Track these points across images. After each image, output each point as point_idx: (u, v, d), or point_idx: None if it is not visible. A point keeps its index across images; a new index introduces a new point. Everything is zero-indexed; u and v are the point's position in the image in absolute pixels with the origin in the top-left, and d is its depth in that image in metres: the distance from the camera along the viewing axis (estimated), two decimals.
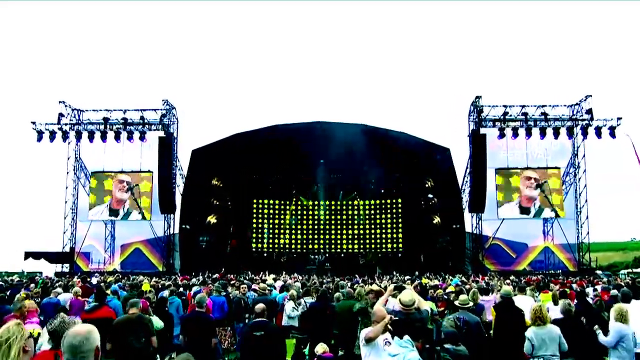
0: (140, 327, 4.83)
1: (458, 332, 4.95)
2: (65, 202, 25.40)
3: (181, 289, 9.60)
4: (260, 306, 5.34)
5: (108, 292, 8.10)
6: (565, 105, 23.45)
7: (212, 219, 25.76)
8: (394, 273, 18.61)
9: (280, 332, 6.01)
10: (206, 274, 17.21)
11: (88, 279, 12.60)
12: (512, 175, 24.43)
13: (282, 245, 29.53)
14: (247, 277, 15.09)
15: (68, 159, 25.48)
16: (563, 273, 20.40)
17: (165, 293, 8.48)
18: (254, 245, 28.78)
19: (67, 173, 25.50)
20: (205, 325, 5.46)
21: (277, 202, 29.81)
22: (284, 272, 18.96)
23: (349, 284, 11.13)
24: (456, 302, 6.06)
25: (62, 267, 25.44)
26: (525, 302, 6.87)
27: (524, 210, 24.18)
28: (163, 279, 14.50)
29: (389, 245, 28.94)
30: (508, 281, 13.92)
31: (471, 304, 6.04)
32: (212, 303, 7.85)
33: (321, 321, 7.25)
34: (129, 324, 4.85)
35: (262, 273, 15.83)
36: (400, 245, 28.54)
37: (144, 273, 20.72)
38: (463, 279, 15.00)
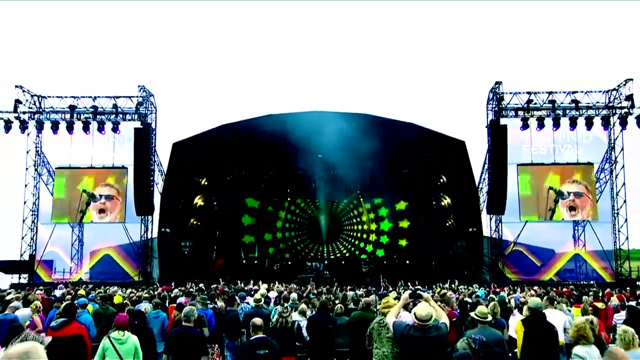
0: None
1: (474, 355, 4.83)
2: (25, 202, 25.19)
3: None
4: (259, 320, 5.44)
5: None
6: (600, 91, 23.25)
7: (195, 222, 25.72)
8: (403, 283, 18.65)
9: (281, 352, 6.12)
10: (189, 284, 17.16)
11: (53, 291, 12.59)
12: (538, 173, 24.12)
13: (274, 251, 29.61)
14: (240, 288, 15.07)
15: (27, 152, 25.28)
16: (598, 284, 20.03)
17: (145, 306, 8.51)
18: (242, 251, 28.85)
19: (27, 169, 25.30)
20: (195, 342, 5.44)
21: (269, 201, 29.85)
22: (276, 282, 19.00)
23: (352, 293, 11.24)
24: (472, 314, 6.01)
25: (20, 277, 25.31)
26: (556, 317, 6.79)
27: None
28: (140, 289, 14.49)
29: (396, 251, 29.08)
30: (532, 292, 14.05)
31: (490, 317, 6.00)
32: None
33: (322, 336, 7.33)
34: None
35: (256, 283, 15.85)
36: (409, 250, 28.65)
37: (116, 283, 20.68)
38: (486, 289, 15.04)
